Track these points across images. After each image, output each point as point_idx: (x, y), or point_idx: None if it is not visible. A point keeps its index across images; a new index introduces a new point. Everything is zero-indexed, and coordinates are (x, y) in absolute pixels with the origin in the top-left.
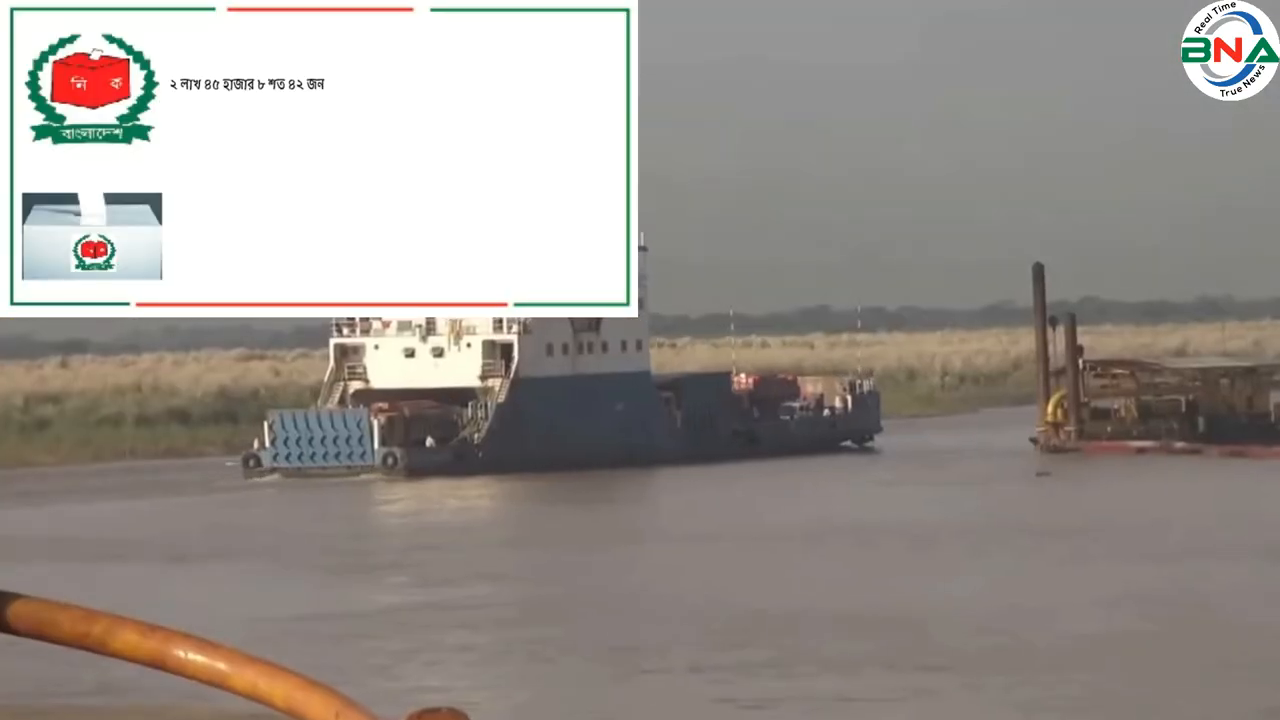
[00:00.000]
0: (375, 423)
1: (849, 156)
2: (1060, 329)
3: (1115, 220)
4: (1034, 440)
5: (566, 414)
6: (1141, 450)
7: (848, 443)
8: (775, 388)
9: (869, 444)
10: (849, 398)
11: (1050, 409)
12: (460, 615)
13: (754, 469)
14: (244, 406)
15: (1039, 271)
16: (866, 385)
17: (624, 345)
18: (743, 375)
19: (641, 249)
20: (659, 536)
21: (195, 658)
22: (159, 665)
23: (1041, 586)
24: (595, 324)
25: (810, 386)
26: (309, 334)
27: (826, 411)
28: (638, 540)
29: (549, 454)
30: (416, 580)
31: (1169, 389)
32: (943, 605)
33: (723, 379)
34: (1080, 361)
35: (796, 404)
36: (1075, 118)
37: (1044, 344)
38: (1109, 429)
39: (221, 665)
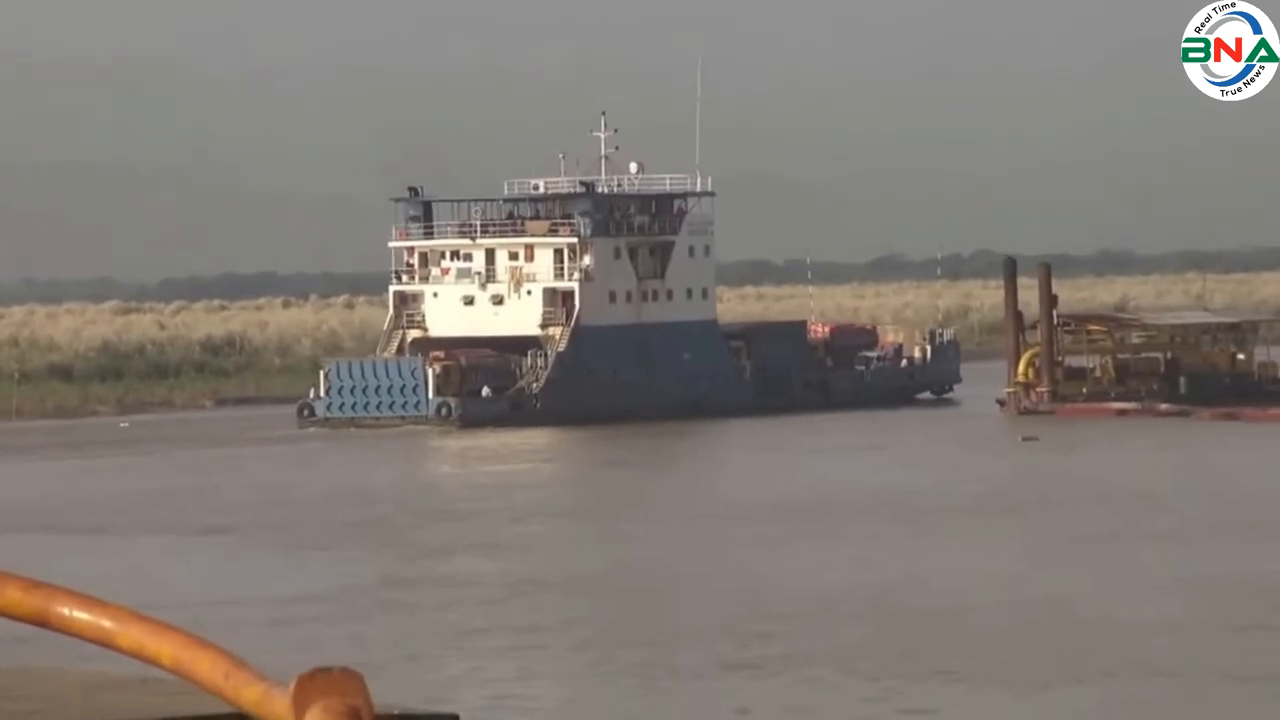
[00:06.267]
0: (430, 372)
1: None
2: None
3: (1006, 170)
4: (1001, 402)
5: (629, 364)
6: (1123, 412)
7: (926, 394)
8: (852, 337)
9: (947, 394)
10: (928, 347)
11: (1022, 368)
12: (441, 594)
13: (816, 423)
14: (129, 362)
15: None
16: (946, 334)
17: (689, 293)
18: (819, 324)
19: (709, 194)
20: (697, 505)
21: (79, 615)
22: (42, 623)
23: (1084, 569)
24: (660, 271)
25: (890, 336)
26: (177, 286)
27: (904, 362)
28: (675, 511)
29: (610, 405)
30: (417, 552)
31: (1147, 346)
32: (981, 593)
33: (797, 327)
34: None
35: (874, 354)
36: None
37: (1014, 299)
38: (1084, 390)
39: (106, 623)
